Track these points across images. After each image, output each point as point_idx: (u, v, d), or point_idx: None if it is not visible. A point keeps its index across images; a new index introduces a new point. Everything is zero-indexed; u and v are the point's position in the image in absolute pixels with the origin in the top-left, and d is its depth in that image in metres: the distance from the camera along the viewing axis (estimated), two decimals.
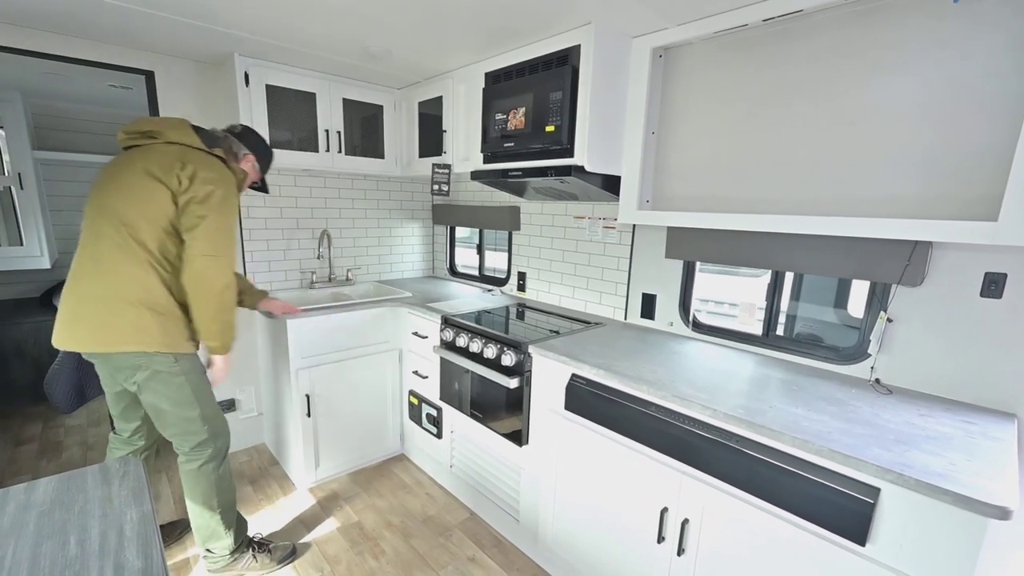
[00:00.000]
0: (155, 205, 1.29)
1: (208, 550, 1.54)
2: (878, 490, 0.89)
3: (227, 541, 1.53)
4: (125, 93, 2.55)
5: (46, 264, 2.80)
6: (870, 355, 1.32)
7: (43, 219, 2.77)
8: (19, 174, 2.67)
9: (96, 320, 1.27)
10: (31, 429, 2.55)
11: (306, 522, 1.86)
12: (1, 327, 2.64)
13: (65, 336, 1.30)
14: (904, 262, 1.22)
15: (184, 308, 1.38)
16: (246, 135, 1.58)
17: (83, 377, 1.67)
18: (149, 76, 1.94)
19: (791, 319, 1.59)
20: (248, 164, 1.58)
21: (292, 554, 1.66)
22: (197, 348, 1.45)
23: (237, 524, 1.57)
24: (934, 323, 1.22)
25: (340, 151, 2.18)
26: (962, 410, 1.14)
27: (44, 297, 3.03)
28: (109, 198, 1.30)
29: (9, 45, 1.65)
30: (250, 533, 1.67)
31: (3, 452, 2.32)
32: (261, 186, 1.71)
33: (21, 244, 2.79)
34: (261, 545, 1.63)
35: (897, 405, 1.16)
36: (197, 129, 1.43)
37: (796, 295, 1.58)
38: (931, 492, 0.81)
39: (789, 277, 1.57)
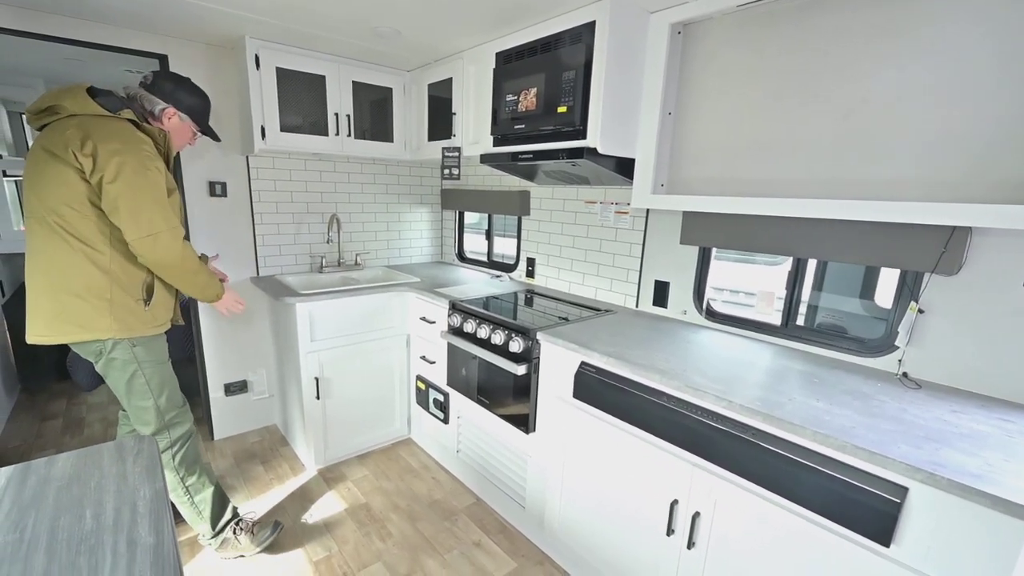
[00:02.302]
0: (67, 188, 1.19)
1: (200, 533, 1.57)
2: (906, 489, 0.83)
3: (206, 527, 1.54)
4: (140, 78, 2.58)
5: None
6: (898, 347, 1.25)
7: None
8: None
9: (49, 313, 1.24)
10: (56, 405, 2.65)
11: (315, 502, 1.88)
12: None
13: (30, 331, 1.27)
14: (940, 249, 1.14)
15: (134, 289, 1.31)
16: (159, 85, 1.36)
17: None
18: (163, 60, 1.94)
19: (812, 309, 1.51)
20: (172, 120, 1.38)
21: (275, 531, 1.64)
22: (160, 331, 1.41)
23: (212, 509, 1.54)
24: (970, 314, 1.14)
25: (350, 135, 2.16)
26: (999, 407, 1.07)
27: None
28: (31, 187, 1.23)
29: (30, 30, 1.67)
30: (247, 513, 1.68)
31: (30, 427, 2.41)
32: (206, 134, 1.51)
33: None
34: (239, 526, 1.60)
35: (927, 400, 1.09)
36: (98, 92, 1.28)
37: (819, 284, 1.50)
38: (966, 493, 0.76)
39: (811, 265, 1.49)
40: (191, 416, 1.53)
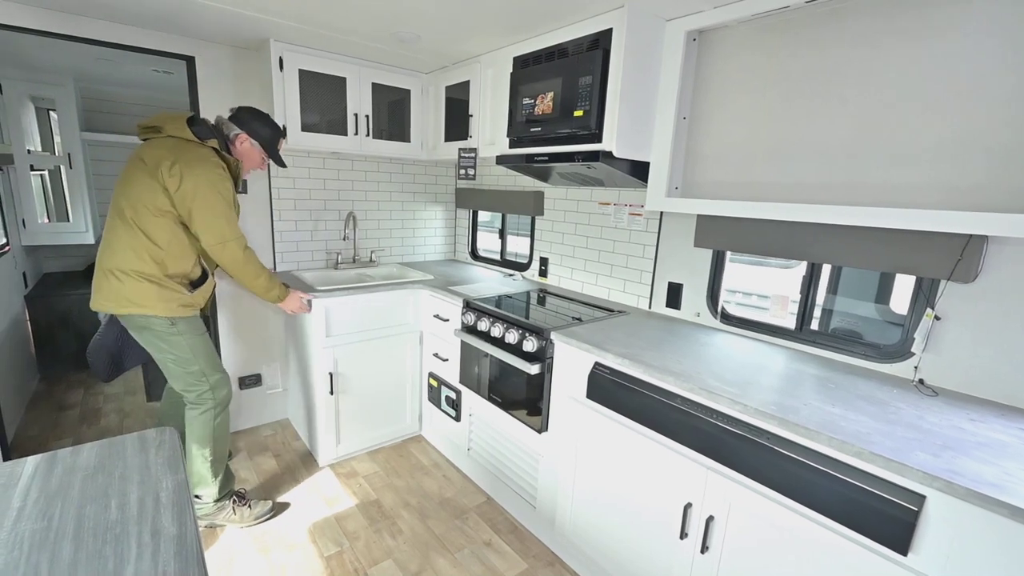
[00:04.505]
0: (149, 193, 1.46)
1: (196, 495, 1.66)
2: (923, 497, 0.83)
3: (213, 490, 1.67)
4: (167, 78, 2.64)
5: (90, 239, 2.94)
6: (914, 354, 1.24)
7: (89, 197, 2.91)
8: (68, 154, 2.80)
9: (108, 287, 1.50)
10: (74, 395, 2.70)
11: (327, 497, 1.90)
12: (48, 298, 2.80)
13: (94, 300, 1.54)
14: (956, 257, 1.13)
15: (179, 279, 1.55)
16: (239, 115, 1.65)
17: (121, 349, 1.77)
18: (190, 61, 1.99)
19: (827, 313, 1.51)
20: (244, 144, 1.65)
21: (270, 511, 1.77)
22: (196, 312, 1.62)
23: (224, 476, 1.71)
24: (988, 322, 1.14)
25: (368, 135, 2.20)
26: (1018, 416, 1.06)
27: (88, 270, 3.19)
28: (120, 186, 1.52)
29: (64, 32, 1.72)
30: (240, 489, 1.81)
31: (49, 416, 2.47)
32: (274, 159, 1.74)
33: (68, 220, 2.94)
34: (243, 499, 1.74)
35: (944, 408, 1.09)
36: (194, 122, 1.56)
37: (833, 288, 1.50)
38: (984, 503, 0.76)
39: (826, 268, 1.49)
40: (230, 382, 1.73)
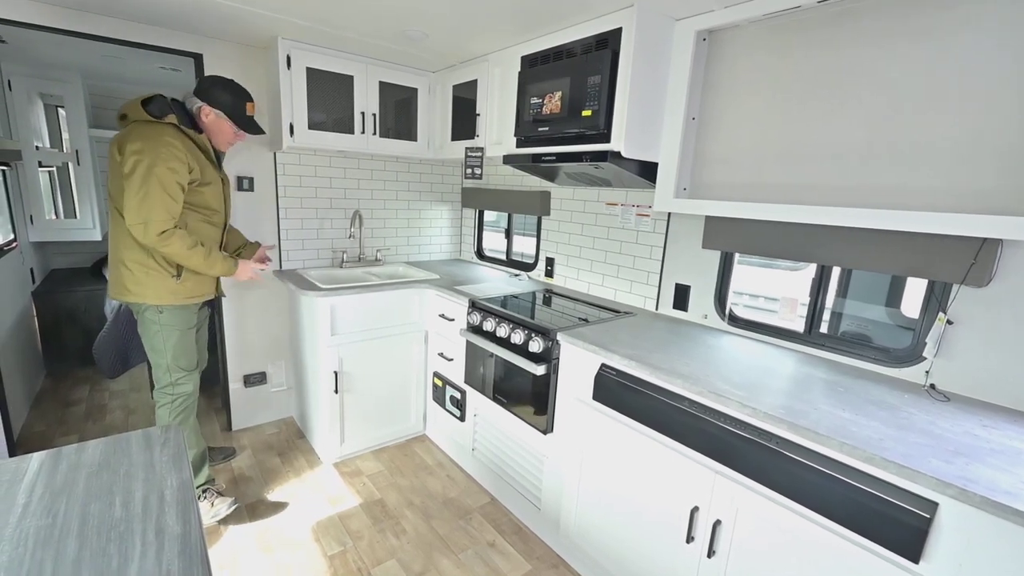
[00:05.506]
0: (118, 179, 1.47)
1: None
2: (936, 505, 0.82)
3: None
4: (174, 75, 2.64)
5: (97, 236, 2.96)
6: (925, 358, 1.23)
7: (96, 193, 2.93)
8: (76, 151, 2.82)
9: (112, 276, 1.57)
10: (79, 391, 2.71)
11: (330, 496, 1.90)
12: (55, 295, 2.81)
13: (108, 289, 1.61)
14: (969, 260, 1.12)
15: (169, 264, 1.55)
16: (200, 85, 1.59)
17: (127, 345, 1.78)
18: (198, 59, 1.99)
19: (837, 316, 1.50)
20: (209, 117, 1.56)
21: (229, 508, 1.73)
22: (189, 302, 1.62)
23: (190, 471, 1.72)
24: (1001, 327, 1.12)
25: (375, 133, 2.20)
26: None
27: (95, 267, 3.20)
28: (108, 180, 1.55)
29: (73, 29, 1.73)
30: (218, 487, 1.80)
31: (54, 412, 2.48)
32: (243, 128, 1.63)
33: (76, 217, 2.96)
34: (207, 496, 1.71)
35: (956, 414, 1.08)
36: (150, 101, 1.48)
37: (843, 291, 1.49)
38: (999, 511, 0.75)
39: (835, 271, 1.48)
40: (196, 381, 1.72)
